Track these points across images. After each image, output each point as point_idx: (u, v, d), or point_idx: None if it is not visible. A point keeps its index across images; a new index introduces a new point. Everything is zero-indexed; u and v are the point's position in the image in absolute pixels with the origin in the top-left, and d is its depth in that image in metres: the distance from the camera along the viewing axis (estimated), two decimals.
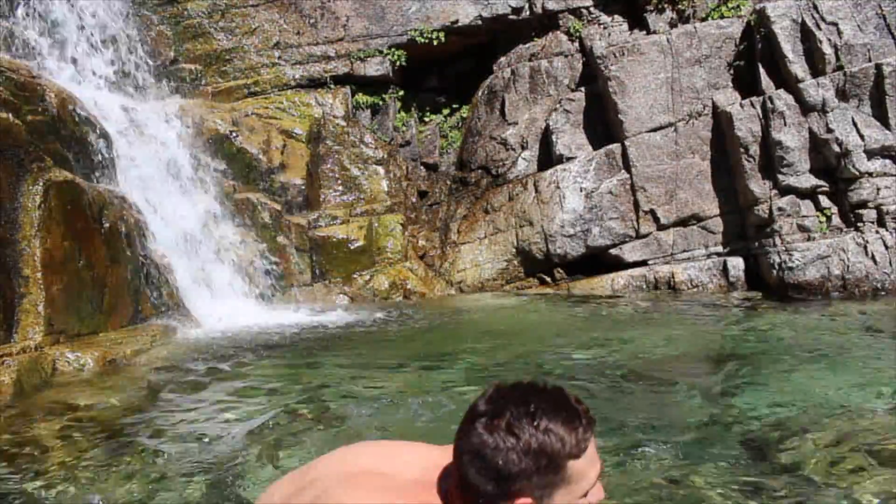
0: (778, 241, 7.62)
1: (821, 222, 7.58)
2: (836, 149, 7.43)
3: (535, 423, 1.37)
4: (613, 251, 8.46)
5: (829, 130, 7.46)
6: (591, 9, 9.41)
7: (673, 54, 8.45)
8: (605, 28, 9.34)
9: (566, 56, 9.33)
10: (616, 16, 9.39)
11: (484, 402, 1.45)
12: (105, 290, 5.89)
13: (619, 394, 4.49)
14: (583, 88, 9.02)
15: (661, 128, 8.39)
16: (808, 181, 7.63)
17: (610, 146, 8.58)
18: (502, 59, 9.67)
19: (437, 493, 1.50)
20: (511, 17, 9.45)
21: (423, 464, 1.64)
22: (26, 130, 5.60)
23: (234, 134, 8.47)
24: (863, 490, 2.97)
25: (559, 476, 1.38)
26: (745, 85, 8.26)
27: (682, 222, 8.34)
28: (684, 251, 8.32)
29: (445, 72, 10.10)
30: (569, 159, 8.71)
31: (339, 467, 1.68)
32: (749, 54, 8.25)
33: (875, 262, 7.27)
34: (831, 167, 7.58)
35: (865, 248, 7.32)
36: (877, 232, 7.35)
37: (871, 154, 7.37)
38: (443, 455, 1.63)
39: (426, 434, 3.64)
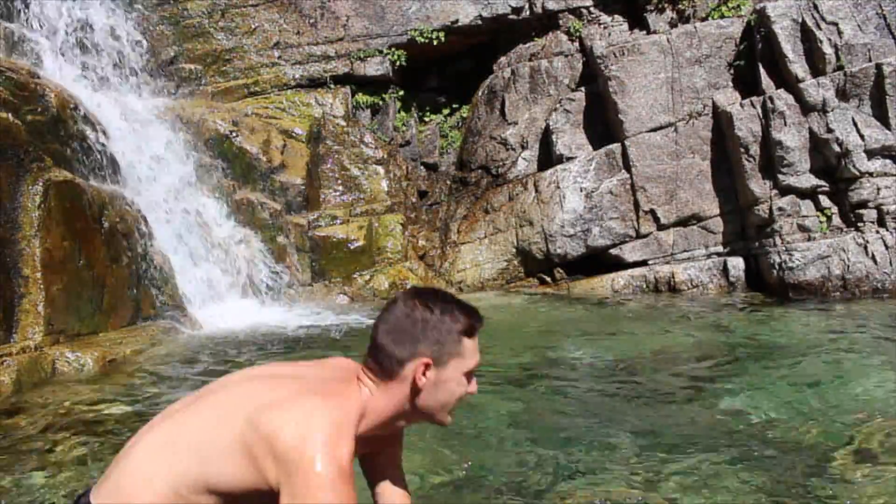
0: (778, 241, 7.62)
1: (821, 222, 7.58)
2: (837, 149, 7.42)
3: (444, 303, 1.76)
4: (613, 251, 8.45)
5: (830, 130, 7.46)
6: (591, 9, 9.40)
7: (673, 54, 8.44)
8: (605, 28, 9.34)
9: (566, 56, 9.32)
10: (616, 16, 9.39)
11: (401, 294, 1.83)
12: (105, 290, 5.89)
13: (620, 393, 4.49)
14: (583, 88, 9.01)
15: (661, 128, 8.39)
16: (808, 181, 7.62)
17: (610, 146, 8.58)
18: (502, 58, 9.67)
19: (348, 382, 1.76)
20: (511, 16, 9.44)
21: (325, 369, 1.87)
22: (26, 130, 5.60)
23: (234, 134, 8.46)
24: (866, 488, 2.97)
25: (455, 348, 1.72)
26: (746, 85, 8.26)
27: (683, 222, 8.33)
28: (684, 251, 8.32)
29: (445, 72, 10.10)
30: (569, 159, 8.70)
31: (244, 376, 1.83)
32: (749, 54, 8.25)
33: (875, 262, 7.27)
34: (831, 167, 7.57)
35: (866, 248, 7.32)
36: (877, 232, 7.34)
37: (871, 154, 7.36)
38: (340, 364, 1.92)
39: (424, 434, 3.64)
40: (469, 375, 1.77)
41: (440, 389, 1.74)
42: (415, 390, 1.72)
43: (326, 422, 1.60)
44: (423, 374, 1.71)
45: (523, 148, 9.14)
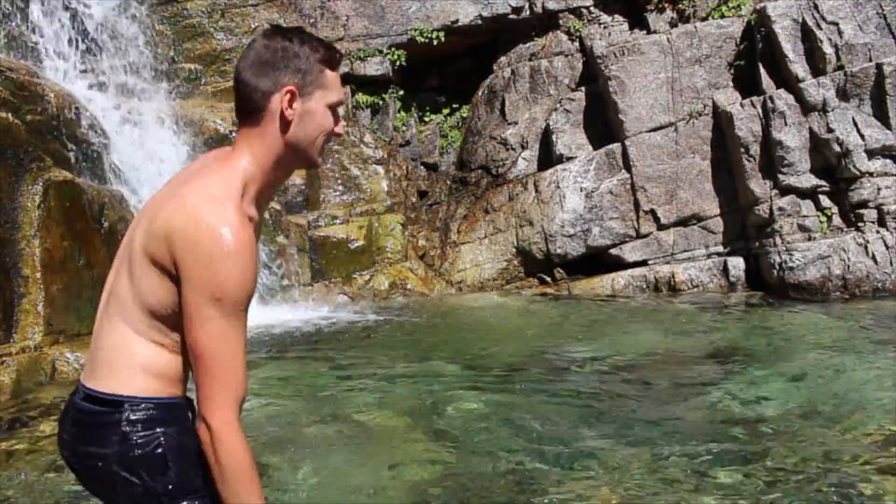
0: (778, 240, 7.62)
1: (821, 222, 7.57)
2: (837, 148, 7.42)
3: (302, 34, 1.74)
4: (614, 251, 8.45)
5: (830, 130, 7.46)
6: (592, 8, 9.40)
7: (673, 54, 8.44)
8: (605, 28, 9.33)
9: (566, 56, 9.32)
10: (616, 15, 9.38)
11: (260, 32, 1.79)
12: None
13: (621, 393, 4.49)
14: (583, 88, 9.01)
15: (661, 127, 8.39)
16: (808, 181, 7.62)
17: (610, 146, 8.57)
18: (502, 58, 9.66)
19: (224, 157, 1.76)
20: (511, 16, 9.44)
21: (200, 160, 1.87)
22: (26, 130, 5.60)
23: (234, 134, 8.43)
24: (866, 487, 2.97)
25: (318, 78, 1.72)
26: (746, 85, 8.26)
27: (683, 222, 8.33)
28: (685, 251, 8.31)
29: (445, 72, 10.09)
30: (569, 159, 8.70)
31: (135, 220, 1.82)
32: (749, 54, 8.24)
33: (876, 262, 7.27)
34: (832, 167, 7.57)
35: (866, 248, 7.32)
36: (877, 232, 7.34)
37: (871, 154, 7.36)
38: (219, 149, 1.90)
39: (424, 431, 3.64)
40: (333, 112, 1.77)
41: (307, 122, 1.73)
42: (284, 125, 1.71)
43: (205, 196, 1.62)
44: (290, 105, 1.70)
45: (523, 148, 9.14)
